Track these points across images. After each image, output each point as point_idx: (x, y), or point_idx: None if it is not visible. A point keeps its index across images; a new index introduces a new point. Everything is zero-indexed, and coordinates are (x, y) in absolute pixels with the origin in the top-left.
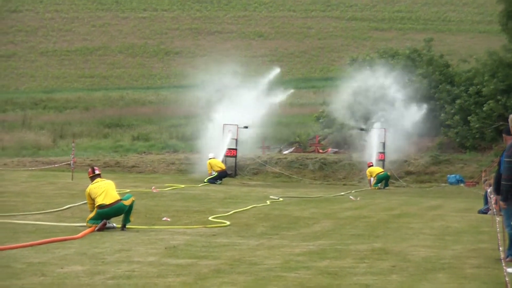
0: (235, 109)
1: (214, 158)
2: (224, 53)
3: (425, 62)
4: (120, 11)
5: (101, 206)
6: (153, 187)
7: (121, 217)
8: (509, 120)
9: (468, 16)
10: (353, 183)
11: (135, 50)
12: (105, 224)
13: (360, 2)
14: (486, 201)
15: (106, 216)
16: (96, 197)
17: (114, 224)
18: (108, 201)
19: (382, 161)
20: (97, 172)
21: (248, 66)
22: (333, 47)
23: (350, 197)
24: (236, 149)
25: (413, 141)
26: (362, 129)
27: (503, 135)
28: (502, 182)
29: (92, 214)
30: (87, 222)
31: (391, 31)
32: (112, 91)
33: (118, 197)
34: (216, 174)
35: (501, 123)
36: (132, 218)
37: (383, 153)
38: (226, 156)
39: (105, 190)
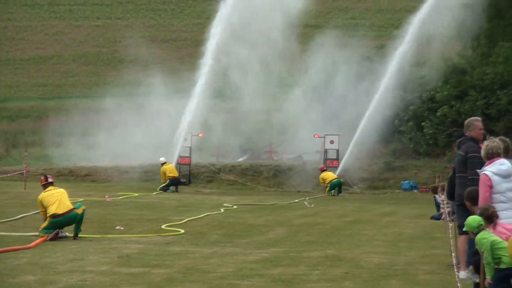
0: (188, 117)
1: (166, 162)
2: (179, 61)
3: (377, 67)
4: (73, 19)
5: (54, 216)
6: (106, 196)
7: (72, 226)
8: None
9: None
10: (307, 190)
11: (89, 58)
12: (57, 233)
13: (314, 9)
14: (439, 207)
15: (59, 225)
16: (48, 206)
17: (67, 234)
18: (61, 210)
19: (336, 167)
20: (50, 180)
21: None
22: (289, 54)
23: (305, 203)
24: (189, 157)
25: (367, 147)
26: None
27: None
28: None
29: (45, 224)
30: (40, 232)
31: (345, 38)
32: (65, 100)
33: (71, 206)
34: (168, 181)
35: (454, 129)
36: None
37: (337, 159)
38: (179, 164)
39: (58, 199)
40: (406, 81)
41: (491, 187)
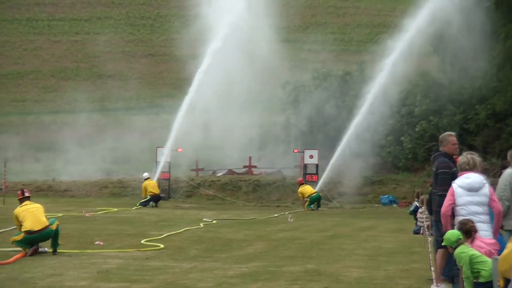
0: (168, 131)
1: (149, 178)
2: (157, 76)
3: (357, 83)
4: (52, 34)
5: (29, 232)
6: (83, 211)
7: (49, 241)
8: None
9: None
10: (287, 204)
11: (68, 73)
12: (36, 249)
13: (293, 24)
14: (415, 213)
15: (34, 241)
16: (24, 221)
17: (46, 249)
18: (37, 227)
19: (315, 182)
20: (26, 194)
21: (180, 89)
22: (266, 69)
23: (289, 219)
24: (169, 172)
25: (346, 162)
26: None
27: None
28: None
29: (18, 237)
30: (13, 243)
31: (324, 52)
32: (44, 115)
33: (47, 223)
34: (149, 197)
35: (433, 143)
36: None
37: (316, 174)
38: (159, 179)
39: (34, 215)
40: (386, 96)
41: (454, 198)
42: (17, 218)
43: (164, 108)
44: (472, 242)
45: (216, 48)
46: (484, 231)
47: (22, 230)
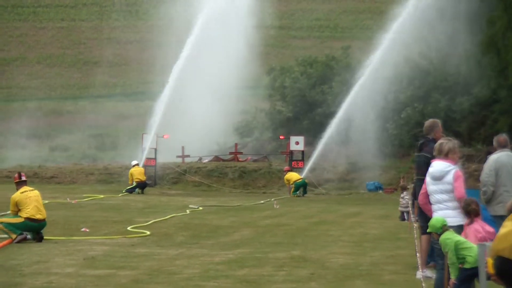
0: (154, 118)
1: (137, 165)
2: (143, 62)
3: (342, 69)
4: (37, 21)
5: (31, 219)
6: (68, 199)
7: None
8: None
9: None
10: (273, 191)
11: (53, 60)
12: (25, 237)
13: (279, 10)
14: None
15: (33, 229)
16: (25, 207)
17: (28, 236)
18: (40, 216)
19: (301, 168)
20: (23, 178)
21: (165, 75)
22: (252, 55)
23: (275, 205)
24: (155, 159)
25: (332, 148)
26: (281, 138)
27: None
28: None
29: (14, 220)
30: (1, 223)
31: (310, 39)
32: (30, 102)
33: (45, 215)
34: (135, 184)
35: (419, 129)
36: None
37: (302, 160)
38: (145, 165)
39: (37, 204)
40: (372, 82)
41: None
42: (16, 204)
43: (150, 94)
44: (470, 223)
45: (199, 34)
46: (452, 217)
47: (23, 215)
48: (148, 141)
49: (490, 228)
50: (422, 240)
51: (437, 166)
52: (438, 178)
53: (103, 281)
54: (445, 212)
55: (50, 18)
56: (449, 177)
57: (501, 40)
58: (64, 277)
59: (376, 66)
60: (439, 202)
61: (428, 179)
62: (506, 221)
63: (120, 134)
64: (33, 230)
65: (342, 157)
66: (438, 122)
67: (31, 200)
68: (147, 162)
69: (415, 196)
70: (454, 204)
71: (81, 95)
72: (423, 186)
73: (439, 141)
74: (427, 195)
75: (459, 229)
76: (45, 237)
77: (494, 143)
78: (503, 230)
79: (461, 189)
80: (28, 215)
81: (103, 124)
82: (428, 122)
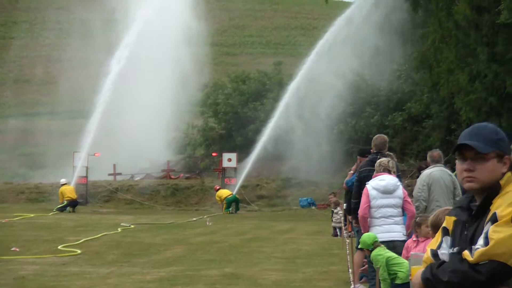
0: (86, 137)
1: (66, 184)
2: (74, 80)
3: (275, 85)
4: None
5: None
6: None
7: None
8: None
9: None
10: (206, 208)
11: None
12: None
13: (212, 28)
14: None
15: None
16: None
17: None
18: None
19: (234, 185)
20: None
21: (97, 93)
22: (184, 72)
23: (207, 223)
24: (86, 177)
25: (265, 164)
26: (214, 155)
27: (358, 157)
28: (352, 201)
29: None
30: None
31: (242, 55)
32: None
33: None
34: (66, 202)
35: (351, 145)
36: None
37: (235, 177)
38: (76, 184)
39: None
40: (302, 98)
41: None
42: None
43: (81, 113)
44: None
45: (131, 50)
46: (398, 232)
47: None
48: (80, 159)
49: None
50: (357, 254)
51: (389, 180)
52: (390, 192)
53: None
54: (391, 227)
55: None
56: (400, 192)
57: (433, 55)
58: None
59: (305, 82)
60: (385, 216)
61: (374, 192)
62: (499, 226)
63: (51, 153)
64: None
65: (275, 174)
66: (386, 139)
67: None
68: (78, 180)
69: (349, 211)
70: (400, 219)
71: (11, 114)
72: (365, 199)
73: (386, 158)
74: (369, 209)
75: (402, 244)
76: None
77: (428, 158)
78: (499, 235)
79: (412, 206)
80: None
81: (33, 142)
82: (381, 138)
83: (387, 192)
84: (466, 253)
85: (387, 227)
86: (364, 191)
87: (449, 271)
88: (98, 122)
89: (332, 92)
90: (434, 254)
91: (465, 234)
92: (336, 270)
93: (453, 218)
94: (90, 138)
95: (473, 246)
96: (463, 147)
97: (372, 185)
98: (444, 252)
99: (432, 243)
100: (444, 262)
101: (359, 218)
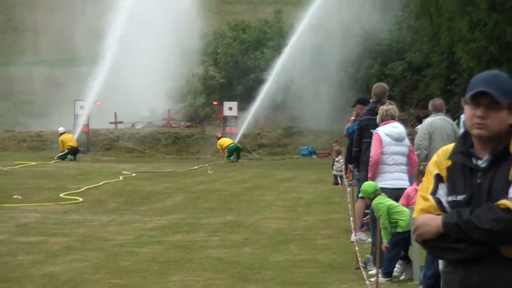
0: (85, 84)
1: (65, 132)
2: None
3: (275, 34)
4: None
5: None
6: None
7: None
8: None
9: None
10: (207, 157)
11: None
12: None
13: None
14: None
15: None
16: None
17: None
18: None
19: (235, 134)
20: None
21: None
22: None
23: (208, 171)
24: (87, 125)
25: (266, 113)
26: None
27: (357, 105)
28: (353, 149)
29: None
30: None
31: (242, 4)
32: None
33: None
34: (67, 151)
35: (351, 93)
36: None
37: (235, 126)
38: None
39: None
40: (302, 47)
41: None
42: None
43: (82, 60)
44: None
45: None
46: (405, 180)
47: None
48: (83, 108)
49: None
50: (358, 202)
51: (401, 127)
52: (400, 140)
53: (36, 248)
54: (400, 175)
55: None
56: (407, 141)
57: (433, 4)
58: None
59: (306, 31)
60: (396, 164)
61: (388, 139)
62: None
63: (52, 101)
64: None
65: (276, 122)
66: (386, 88)
67: None
68: (79, 128)
69: (349, 160)
70: (406, 168)
71: (10, 62)
72: (378, 144)
73: (393, 106)
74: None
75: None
76: None
77: (430, 107)
78: None
79: (416, 156)
80: None
81: (34, 90)
82: (381, 87)
83: (399, 139)
84: (507, 202)
85: (397, 175)
86: (375, 137)
87: (492, 219)
88: (102, 71)
89: (332, 41)
90: (439, 202)
91: (477, 182)
92: (337, 218)
93: (447, 164)
94: (93, 86)
95: (509, 196)
96: (478, 94)
97: (385, 132)
98: (443, 200)
99: (423, 190)
100: (474, 209)
101: (371, 163)
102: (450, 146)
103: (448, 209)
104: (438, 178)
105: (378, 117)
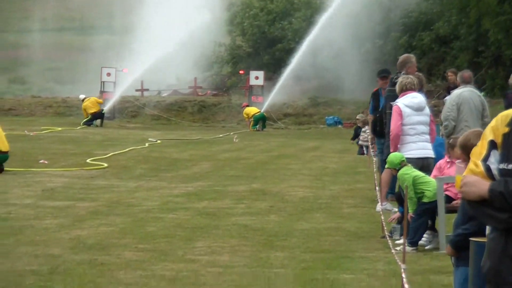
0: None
1: (85, 98)
2: None
3: (303, 4)
4: None
5: None
6: (25, 131)
7: None
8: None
9: None
10: (232, 125)
11: None
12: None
13: None
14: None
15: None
16: None
17: None
18: (4, 148)
19: (261, 103)
20: None
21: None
22: None
23: (234, 139)
24: (114, 92)
25: (291, 83)
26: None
27: (378, 78)
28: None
29: None
30: None
31: None
32: None
33: (8, 147)
34: (90, 117)
35: (378, 65)
36: None
37: (262, 95)
38: (104, 99)
39: (1, 136)
40: (331, 18)
41: (402, 117)
42: None
43: (105, 28)
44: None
45: None
46: (430, 150)
47: None
48: (110, 75)
49: None
50: (385, 172)
51: (420, 97)
52: (421, 109)
53: (62, 213)
54: (425, 144)
55: None
56: (427, 110)
57: None
58: (23, 208)
59: (335, 2)
60: (419, 134)
61: (408, 110)
62: None
63: (77, 68)
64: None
65: (302, 92)
66: (412, 57)
67: None
68: (105, 95)
69: (374, 131)
70: (429, 137)
71: (38, 29)
72: (397, 117)
73: (410, 76)
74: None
75: (434, 161)
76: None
77: (458, 78)
78: None
79: (434, 125)
80: None
81: (60, 57)
82: (401, 58)
83: (420, 109)
84: None
85: (421, 144)
86: (395, 109)
87: None
88: (129, 37)
89: (362, 12)
90: (488, 169)
91: None
92: (362, 188)
93: (504, 130)
94: (118, 54)
95: None
96: None
97: (405, 103)
98: (493, 167)
99: (475, 154)
100: None
101: (392, 136)
102: (511, 112)
103: (497, 176)
104: (492, 145)
105: (397, 88)
